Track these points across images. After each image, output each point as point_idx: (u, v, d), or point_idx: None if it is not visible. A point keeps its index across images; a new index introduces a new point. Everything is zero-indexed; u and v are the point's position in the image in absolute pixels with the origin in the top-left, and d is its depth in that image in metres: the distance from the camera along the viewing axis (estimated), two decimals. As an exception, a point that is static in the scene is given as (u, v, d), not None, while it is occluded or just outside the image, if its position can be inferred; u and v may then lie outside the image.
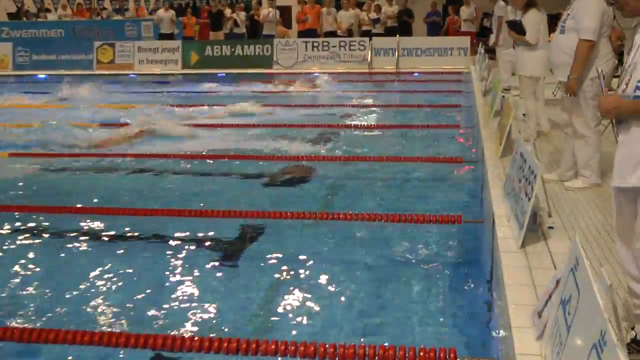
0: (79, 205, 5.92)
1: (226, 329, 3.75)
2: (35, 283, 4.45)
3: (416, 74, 15.97)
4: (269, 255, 4.81)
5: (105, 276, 4.51)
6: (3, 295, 4.27)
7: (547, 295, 2.67)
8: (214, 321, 3.89)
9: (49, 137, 8.68)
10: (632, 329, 2.80)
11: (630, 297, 2.91)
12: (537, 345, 2.65)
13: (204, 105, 11.60)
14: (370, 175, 7.10)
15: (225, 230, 5.36)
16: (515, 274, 3.43)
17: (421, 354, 3.05)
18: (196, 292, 4.27)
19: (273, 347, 3.17)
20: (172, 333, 3.57)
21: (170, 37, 18.60)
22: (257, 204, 5.88)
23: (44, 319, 3.89)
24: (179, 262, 4.76)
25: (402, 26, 18.17)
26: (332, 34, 17.97)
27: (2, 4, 23.67)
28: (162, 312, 3.99)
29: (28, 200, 6.30)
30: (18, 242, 5.26)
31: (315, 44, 17.28)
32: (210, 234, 5.29)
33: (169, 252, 4.94)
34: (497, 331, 3.36)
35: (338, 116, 10.68)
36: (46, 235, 5.41)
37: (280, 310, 4.04)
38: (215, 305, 4.10)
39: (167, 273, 4.58)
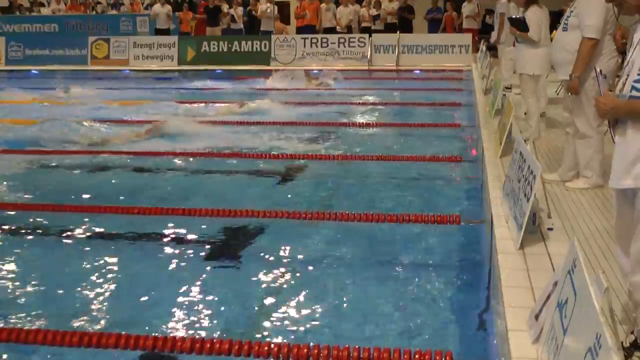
0: (72, 204, 5.86)
1: (221, 330, 3.70)
2: (26, 281, 4.39)
3: (417, 72, 15.88)
4: (267, 255, 4.77)
5: (100, 275, 4.45)
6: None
7: (545, 297, 2.63)
8: (210, 322, 3.83)
9: (44, 134, 8.59)
10: (632, 332, 2.75)
11: (630, 300, 2.87)
12: (533, 348, 2.61)
13: (201, 102, 11.51)
14: (369, 174, 7.04)
15: (222, 229, 5.30)
16: (513, 275, 3.40)
17: (417, 356, 3.02)
18: (192, 292, 4.22)
19: (266, 348, 3.13)
20: (167, 334, 3.52)
21: (166, 32, 18.48)
22: (255, 203, 5.81)
23: (34, 318, 3.83)
24: (175, 262, 4.70)
25: (403, 23, 18.07)
26: (331, 30, 17.88)
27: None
28: (157, 312, 3.94)
29: (19, 198, 6.24)
30: (9, 240, 5.21)
31: (314, 41, 17.13)
32: (206, 233, 5.23)
33: (163, 251, 4.89)
34: (494, 334, 3.31)
35: (337, 114, 10.62)
36: (38, 233, 5.35)
37: (276, 310, 3.98)
38: (211, 305, 4.04)
39: (162, 272, 4.53)
